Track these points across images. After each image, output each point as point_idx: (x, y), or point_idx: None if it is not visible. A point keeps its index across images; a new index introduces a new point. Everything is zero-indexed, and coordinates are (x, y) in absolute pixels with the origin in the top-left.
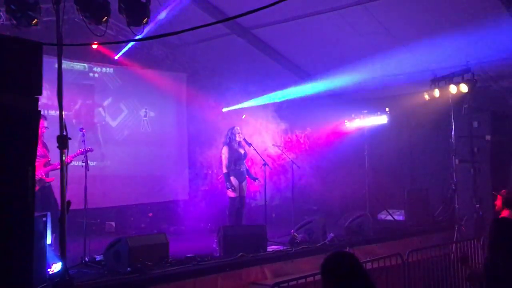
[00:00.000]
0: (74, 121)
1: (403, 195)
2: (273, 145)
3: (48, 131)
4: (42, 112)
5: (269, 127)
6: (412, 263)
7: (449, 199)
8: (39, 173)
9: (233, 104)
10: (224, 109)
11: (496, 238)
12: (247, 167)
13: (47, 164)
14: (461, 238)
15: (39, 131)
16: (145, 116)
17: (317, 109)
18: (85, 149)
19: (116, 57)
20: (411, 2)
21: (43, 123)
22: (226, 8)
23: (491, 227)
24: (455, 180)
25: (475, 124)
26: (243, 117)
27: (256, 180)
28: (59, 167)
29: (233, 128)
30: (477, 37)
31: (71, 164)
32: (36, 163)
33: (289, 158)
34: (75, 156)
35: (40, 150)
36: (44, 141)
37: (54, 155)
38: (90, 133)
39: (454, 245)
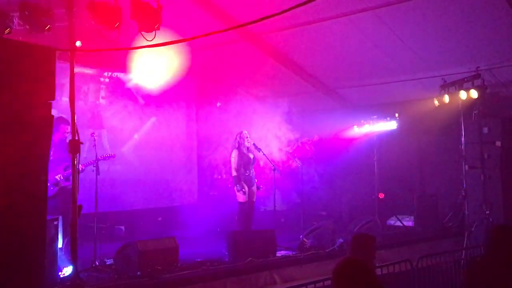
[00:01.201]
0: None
1: (412, 201)
2: (285, 149)
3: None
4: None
5: (276, 133)
6: (422, 269)
7: (458, 205)
8: (58, 176)
9: (243, 109)
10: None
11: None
12: (255, 173)
13: (67, 168)
14: (471, 244)
15: (62, 135)
16: (155, 120)
17: (326, 115)
18: (109, 155)
19: None
20: (421, 7)
21: (66, 128)
22: (236, 14)
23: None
24: (464, 186)
25: (485, 130)
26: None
27: (260, 188)
28: (79, 171)
29: (241, 132)
30: (487, 43)
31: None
32: (56, 167)
33: (298, 164)
34: (94, 162)
35: (61, 153)
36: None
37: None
38: (101, 138)
39: (464, 251)
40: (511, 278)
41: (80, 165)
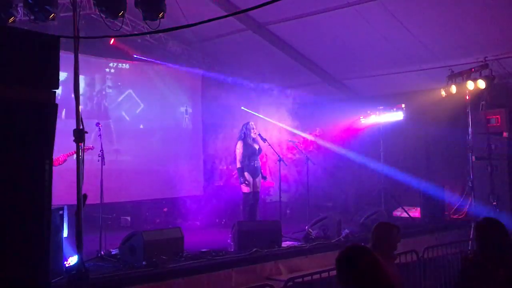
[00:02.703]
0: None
1: (418, 192)
2: (289, 141)
3: (65, 125)
4: None
5: (282, 123)
6: (428, 260)
7: (465, 196)
8: None
9: (249, 100)
10: (243, 108)
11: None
12: (261, 164)
13: None
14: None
15: None
16: (160, 111)
17: (332, 106)
18: (87, 147)
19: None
20: None
21: None
22: (243, 5)
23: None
24: (471, 177)
25: (493, 120)
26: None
27: (265, 179)
28: (57, 164)
29: (247, 123)
30: (495, 33)
31: (87, 158)
32: None
33: (305, 155)
34: (71, 154)
35: None
36: None
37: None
38: (106, 128)
39: (470, 242)
40: (502, 272)
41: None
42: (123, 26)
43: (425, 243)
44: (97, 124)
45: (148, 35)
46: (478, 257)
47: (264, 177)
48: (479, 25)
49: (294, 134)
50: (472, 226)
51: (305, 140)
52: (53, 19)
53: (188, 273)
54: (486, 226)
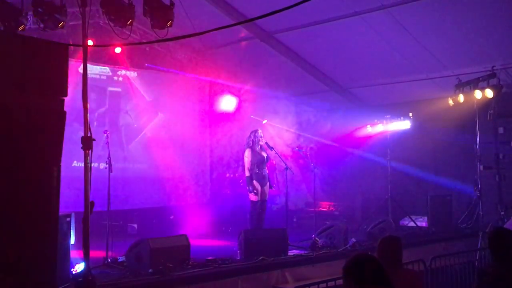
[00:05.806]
0: (95, 123)
1: (426, 201)
2: (295, 148)
3: (73, 132)
4: None
5: (288, 131)
6: (435, 270)
7: (473, 206)
8: None
9: (257, 108)
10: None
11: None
12: (268, 172)
13: None
14: (485, 245)
15: None
16: (168, 119)
17: (339, 114)
18: None
19: None
20: (436, 6)
21: None
22: (250, 13)
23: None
24: (479, 186)
25: (501, 130)
26: (264, 122)
27: (272, 187)
28: None
29: (256, 131)
30: (503, 42)
31: (94, 166)
32: None
33: (311, 163)
34: None
35: None
36: None
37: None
38: (113, 136)
39: (478, 252)
40: None
41: None
42: (131, 34)
43: (432, 252)
44: (105, 131)
45: (156, 43)
46: (496, 269)
47: (271, 186)
48: (486, 34)
49: (301, 142)
50: (480, 235)
51: (305, 152)
52: (62, 27)
53: (194, 281)
54: (501, 235)
